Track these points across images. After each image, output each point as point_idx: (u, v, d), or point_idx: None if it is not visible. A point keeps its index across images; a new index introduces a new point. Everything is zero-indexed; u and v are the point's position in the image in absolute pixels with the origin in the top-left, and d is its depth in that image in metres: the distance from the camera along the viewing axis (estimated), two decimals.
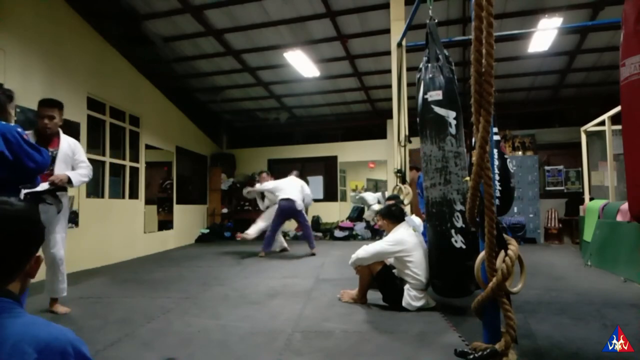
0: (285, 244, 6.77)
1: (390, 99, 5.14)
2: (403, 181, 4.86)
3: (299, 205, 6.18)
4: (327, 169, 10.29)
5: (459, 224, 2.91)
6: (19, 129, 2.31)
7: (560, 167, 8.58)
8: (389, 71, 5.23)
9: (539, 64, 7.27)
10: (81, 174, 3.12)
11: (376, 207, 8.78)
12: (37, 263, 0.91)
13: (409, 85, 4.87)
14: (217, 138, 10.32)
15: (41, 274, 0.96)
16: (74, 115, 5.19)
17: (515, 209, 7.87)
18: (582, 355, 2.14)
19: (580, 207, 6.19)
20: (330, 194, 10.27)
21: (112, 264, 5.67)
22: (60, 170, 2.99)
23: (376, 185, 12.02)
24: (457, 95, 3.05)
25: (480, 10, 1.63)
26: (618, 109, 4.31)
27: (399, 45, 4.92)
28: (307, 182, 10.16)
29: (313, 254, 6.21)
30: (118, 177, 6.30)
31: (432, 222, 3.06)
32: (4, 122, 2.28)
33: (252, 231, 6.44)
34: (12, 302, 0.82)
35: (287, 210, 6.14)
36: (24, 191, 2.54)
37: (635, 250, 3.95)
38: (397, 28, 4.97)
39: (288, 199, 6.12)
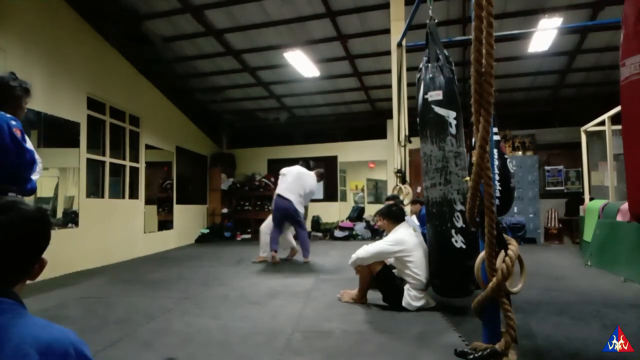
0: (295, 243, 5.86)
1: (390, 99, 5.14)
2: (403, 181, 4.86)
3: (296, 205, 5.38)
4: (327, 169, 10.26)
5: (459, 224, 2.91)
6: (13, 122, 2.02)
7: (560, 167, 8.58)
8: (389, 71, 5.23)
9: (539, 64, 7.27)
10: None
11: None
12: (42, 266, 0.90)
13: (409, 85, 4.87)
14: (217, 138, 10.32)
15: (44, 274, 0.95)
16: (74, 115, 5.20)
17: (515, 209, 7.86)
18: (582, 355, 2.14)
19: (580, 207, 6.19)
20: (330, 194, 10.27)
21: (112, 264, 5.66)
22: None
23: (376, 185, 12.02)
24: (457, 95, 3.06)
25: (480, 10, 1.63)
26: (618, 109, 4.31)
27: (399, 45, 4.92)
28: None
29: (307, 262, 5.42)
30: (118, 177, 6.30)
31: (432, 222, 3.06)
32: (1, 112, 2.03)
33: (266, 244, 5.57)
34: (15, 303, 0.82)
35: (281, 209, 5.40)
36: None
37: (636, 250, 3.95)
38: (397, 28, 4.98)
39: (283, 197, 5.37)
